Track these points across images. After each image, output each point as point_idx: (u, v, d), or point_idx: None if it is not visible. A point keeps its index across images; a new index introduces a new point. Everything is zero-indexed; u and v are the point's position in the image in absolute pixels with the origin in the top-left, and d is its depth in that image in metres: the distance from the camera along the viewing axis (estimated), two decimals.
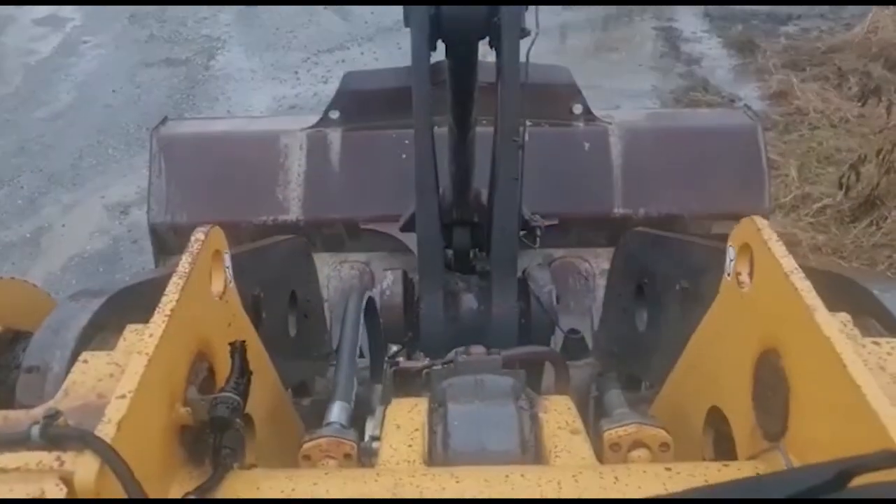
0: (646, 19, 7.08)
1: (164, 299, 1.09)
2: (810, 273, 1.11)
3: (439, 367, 1.46)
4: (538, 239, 2.04)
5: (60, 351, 1.14)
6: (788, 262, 1.11)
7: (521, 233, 1.99)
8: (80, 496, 0.82)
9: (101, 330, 1.20)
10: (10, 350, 1.15)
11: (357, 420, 1.44)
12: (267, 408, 1.43)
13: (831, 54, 6.07)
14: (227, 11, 7.33)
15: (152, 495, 0.87)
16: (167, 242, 2.42)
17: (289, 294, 1.94)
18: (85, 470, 0.82)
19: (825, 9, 6.94)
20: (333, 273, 2.45)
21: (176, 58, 6.53)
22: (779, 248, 1.15)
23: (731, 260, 1.29)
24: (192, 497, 0.94)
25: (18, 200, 4.81)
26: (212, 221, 2.34)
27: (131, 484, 0.81)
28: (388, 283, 1.97)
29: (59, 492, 0.81)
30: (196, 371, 1.16)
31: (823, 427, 1.01)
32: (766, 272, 1.18)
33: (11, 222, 4.61)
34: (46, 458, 0.84)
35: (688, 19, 7.03)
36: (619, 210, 2.40)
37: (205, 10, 7.33)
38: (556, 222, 2.29)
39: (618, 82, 5.65)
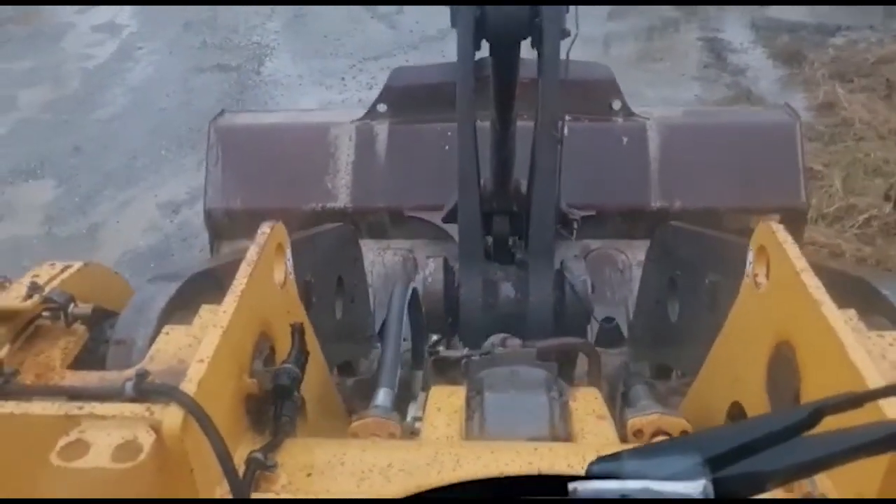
0: (691, 30, 7.06)
1: (234, 283, 1.20)
2: (827, 273, 1.17)
3: (477, 357, 1.53)
4: (575, 231, 2.09)
5: (144, 328, 1.25)
6: (800, 262, 1.19)
7: (561, 229, 2.04)
8: (167, 442, 0.92)
9: (178, 310, 1.31)
10: (98, 326, 1.26)
11: (399, 402, 1.52)
12: (317, 391, 1.52)
13: (880, 65, 5.99)
14: (277, 19, 7.54)
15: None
16: (222, 227, 2.54)
17: (336, 279, 2.02)
18: (171, 419, 0.92)
19: (875, 20, 6.84)
20: (377, 259, 2.54)
21: (227, 64, 6.73)
22: (792, 249, 1.22)
23: (750, 262, 1.35)
24: (257, 455, 1.02)
25: (75, 198, 5.02)
26: (264, 207, 2.46)
27: (212, 431, 0.91)
28: (430, 271, 2.04)
29: (149, 437, 0.91)
30: (260, 349, 1.26)
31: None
32: (780, 271, 1.25)
33: (69, 218, 4.81)
34: (138, 409, 0.94)
35: (734, 30, 6.99)
36: (655, 203, 2.44)
37: (255, 18, 7.55)
38: (593, 213, 2.36)
39: (661, 91, 5.66)
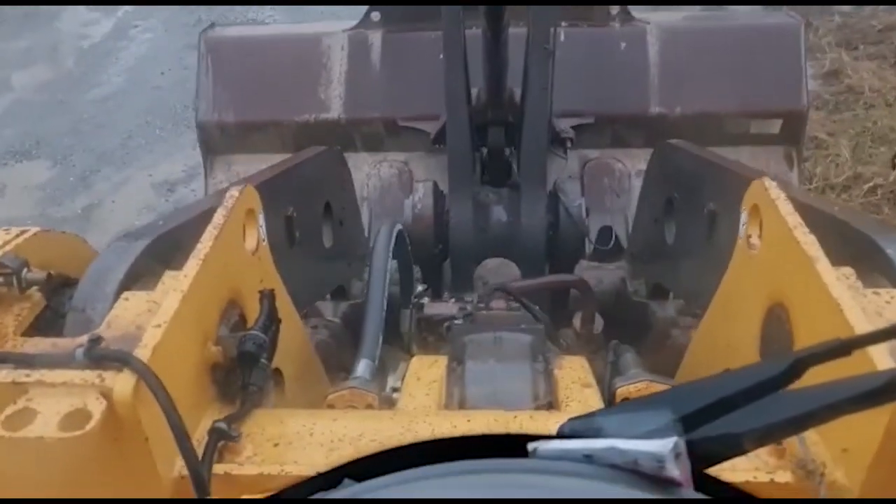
0: None
1: (198, 246, 1.14)
2: (829, 222, 1.10)
3: (460, 321, 1.48)
4: (567, 151, 2.04)
5: (102, 304, 1.18)
6: (793, 219, 1.13)
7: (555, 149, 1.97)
8: (118, 409, 0.87)
9: (139, 279, 1.24)
10: (60, 295, 1.21)
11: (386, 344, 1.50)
12: (296, 364, 1.47)
13: (889, 32, 5.85)
14: None
15: (185, 424, 0.91)
16: (214, 141, 2.51)
17: (323, 205, 1.98)
18: (122, 385, 0.88)
19: None
20: (373, 172, 2.49)
21: None
22: (785, 206, 1.16)
23: (743, 224, 1.29)
24: (220, 425, 0.98)
25: (71, 178, 4.97)
26: (257, 120, 2.39)
27: (164, 398, 0.86)
28: (419, 197, 1.99)
29: (100, 405, 0.87)
30: (228, 316, 1.20)
31: (823, 372, 1.00)
32: (772, 230, 1.19)
33: (64, 199, 4.77)
34: (89, 375, 0.90)
35: None
36: (655, 109, 2.39)
37: None
38: (591, 121, 2.32)
39: None
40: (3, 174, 5.05)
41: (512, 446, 0.63)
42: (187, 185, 4.67)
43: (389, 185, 2.45)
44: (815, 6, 6.47)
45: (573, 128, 2.29)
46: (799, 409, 0.58)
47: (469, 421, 1.04)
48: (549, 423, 1.02)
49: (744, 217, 1.30)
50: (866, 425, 0.83)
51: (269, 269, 1.40)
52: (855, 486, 0.86)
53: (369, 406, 1.28)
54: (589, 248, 2.08)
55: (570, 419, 0.66)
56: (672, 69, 2.40)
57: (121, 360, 0.90)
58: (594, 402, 1.22)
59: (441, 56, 2.26)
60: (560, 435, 0.64)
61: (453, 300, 1.62)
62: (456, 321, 1.49)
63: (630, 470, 0.58)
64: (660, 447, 0.56)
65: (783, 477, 0.90)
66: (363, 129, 2.48)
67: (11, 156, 5.22)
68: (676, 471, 0.57)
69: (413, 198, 2.01)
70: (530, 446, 0.61)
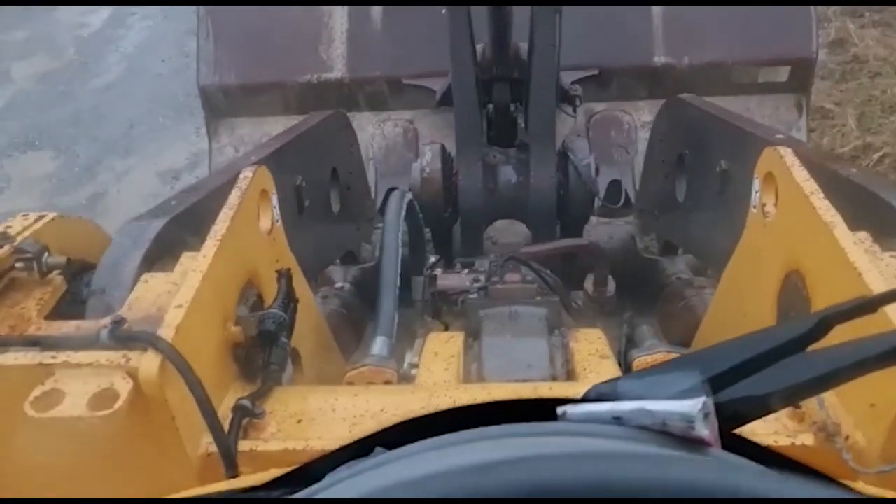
0: None
1: (214, 228, 1.15)
2: (845, 184, 1.10)
3: (475, 295, 1.48)
4: (576, 109, 2.03)
5: (120, 287, 1.18)
6: (809, 185, 1.12)
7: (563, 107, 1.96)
8: (144, 388, 0.88)
9: (157, 260, 1.24)
10: (79, 279, 1.22)
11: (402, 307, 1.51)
12: (312, 343, 1.48)
13: None
14: None
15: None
16: (217, 104, 2.48)
17: (330, 171, 1.97)
18: (148, 365, 0.89)
19: None
20: (377, 131, 2.47)
21: None
22: (800, 173, 1.16)
23: (757, 192, 1.28)
24: (245, 402, 0.99)
25: (75, 168, 4.98)
26: (259, 81, 2.39)
27: (190, 376, 0.87)
28: (427, 160, 1.98)
29: (126, 384, 0.88)
30: (246, 296, 1.21)
31: (841, 339, 1.01)
32: (788, 197, 1.19)
33: (69, 189, 4.78)
34: (114, 356, 0.91)
35: None
36: (660, 59, 2.35)
37: None
38: (596, 73, 2.29)
39: None
40: (7, 166, 5.06)
41: (540, 411, 0.64)
42: (191, 173, 4.66)
43: (395, 145, 2.43)
44: None
45: (577, 81, 2.26)
46: (824, 369, 0.59)
47: (489, 393, 1.05)
48: (569, 393, 1.02)
49: (757, 184, 1.29)
50: (887, 387, 0.84)
51: (283, 249, 1.41)
52: (875, 448, 0.87)
53: (388, 382, 1.30)
54: (597, 202, 2.08)
55: (595, 385, 0.67)
56: (677, 16, 2.36)
57: (146, 340, 0.91)
58: (612, 372, 1.23)
59: (443, 10, 2.23)
60: (585, 399, 0.64)
61: (466, 271, 1.62)
62: (470, 295, 1.49)
63: (659, 431, 0.58)
64: (689, 407, 0.57)
65: (804, 440, 0.91)
66: (366, 88, 2.45)
67: (15, 147, 5.22)
68: (706, 430, 0.57)
69: (421, 162, 1.99)
70: (559, 410, 0.61)
